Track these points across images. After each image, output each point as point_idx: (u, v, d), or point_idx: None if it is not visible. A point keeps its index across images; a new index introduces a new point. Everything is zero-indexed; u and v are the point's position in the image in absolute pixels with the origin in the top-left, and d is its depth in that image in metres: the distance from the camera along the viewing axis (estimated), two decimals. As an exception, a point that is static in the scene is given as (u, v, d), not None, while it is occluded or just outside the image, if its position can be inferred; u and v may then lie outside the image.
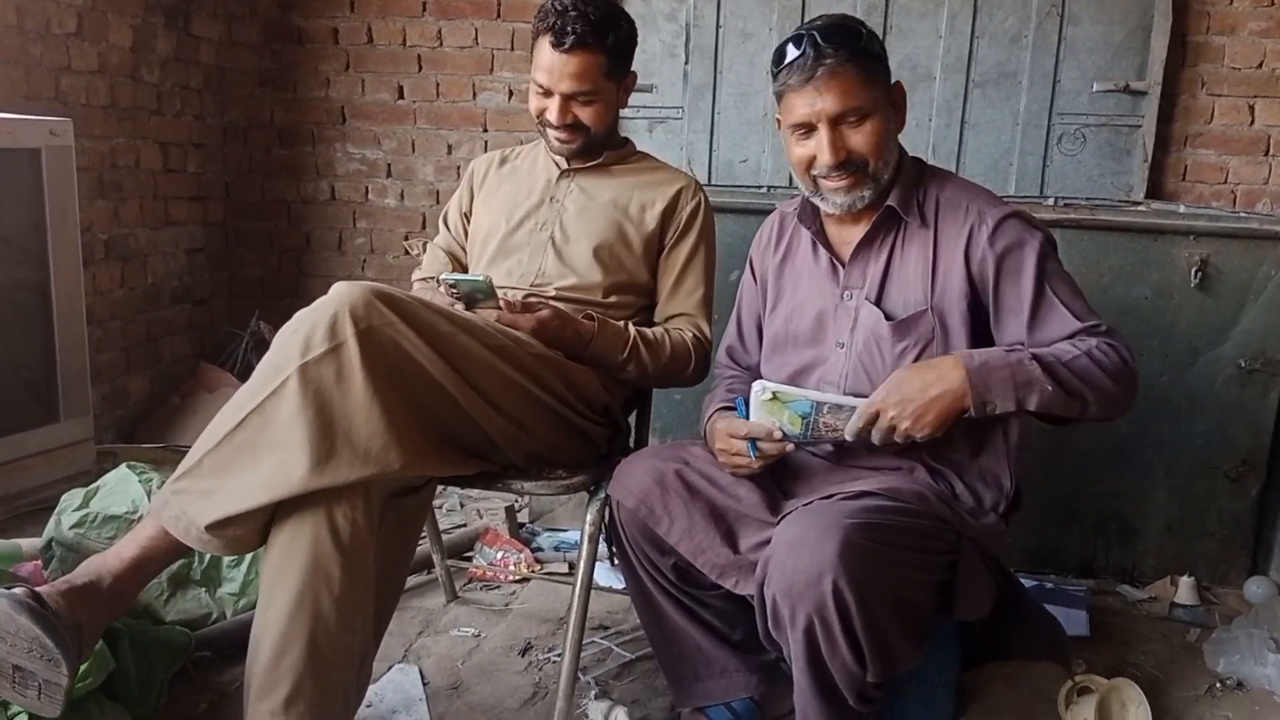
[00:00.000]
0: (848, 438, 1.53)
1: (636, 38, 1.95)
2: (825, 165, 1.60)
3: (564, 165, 2.02)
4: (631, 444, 2.06)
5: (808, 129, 1.61)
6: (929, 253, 1.63)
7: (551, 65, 1.86)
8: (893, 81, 1.65)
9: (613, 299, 1.95)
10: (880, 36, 1.72)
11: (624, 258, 1.96)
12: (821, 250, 1.73)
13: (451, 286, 1.79)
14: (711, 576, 1.60)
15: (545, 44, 1.86)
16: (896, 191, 1.65)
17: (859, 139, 1.60)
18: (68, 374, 2.60)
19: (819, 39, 1.56)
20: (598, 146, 1.99)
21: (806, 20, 2.42)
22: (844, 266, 1.70)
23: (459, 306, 1.77)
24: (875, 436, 1.51)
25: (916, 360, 1.60)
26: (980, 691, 1.98)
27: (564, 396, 1.76)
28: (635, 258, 1.97)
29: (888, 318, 1.64)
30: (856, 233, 1.69)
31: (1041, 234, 1.62)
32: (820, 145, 1.60)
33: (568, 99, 1.89)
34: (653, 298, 2.02)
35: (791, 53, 1.59)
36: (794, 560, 1.41)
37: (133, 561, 1.47)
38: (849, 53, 1.56)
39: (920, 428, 1.48)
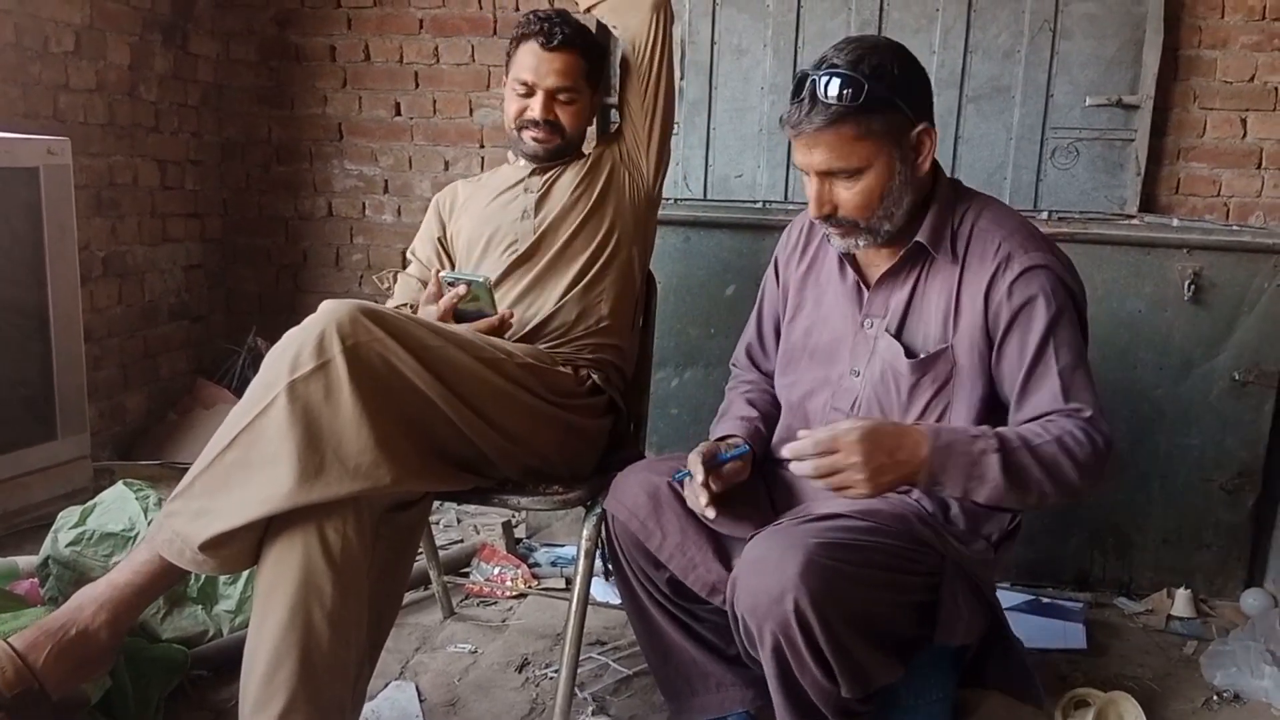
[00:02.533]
0: (786, 453, 1.42)
1: (608, 54, 2.09)
2: (812, 216, 1.57)
3: (530, 168, 2.10)
4: (632, 429, 2.09)
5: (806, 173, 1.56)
6: (953, 290, 1.57)
7: (537, 64, 1.99)
8: (921, 123, 1.52)
9: (603, 258, 2.02)
10: (908, 53, 1.55)
11: (602, 217, 2.03)
12: (849, 269, 1.67)
13: (450, 284, 1.83)
14: (702, 594, 1.61)
15: (532, 45, 1.99)
16: (928, 224, 1.57)
17: (846, 196, 1.53)
18: (65, 391, 2.60)
19: (820, 89, 1.47)
20: (568, 153, 2.09)
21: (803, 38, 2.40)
22: (868, 290, 1.65)
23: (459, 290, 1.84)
24: (812, 469, 1.39)
25: (932, 400, 1.58)
26: (977, 706, 1.99)
27: (554, 399, 1.78)
28: (616, 200, 2.06)
29: (908, 353, 1.59)
30: (885, 259, 1.63)
31: (1062, 293, 1.53)
32: (809, 195, 1.56)
33: (551, 95, 2.01)
34: (639, 224, 2.11)
35: (793, 98, 1.51)
36: (757, 580, 1.41)
37: (126, 588, 1.47)
38: (844, 110, 1.46)
39: (869, 489, 1.39)
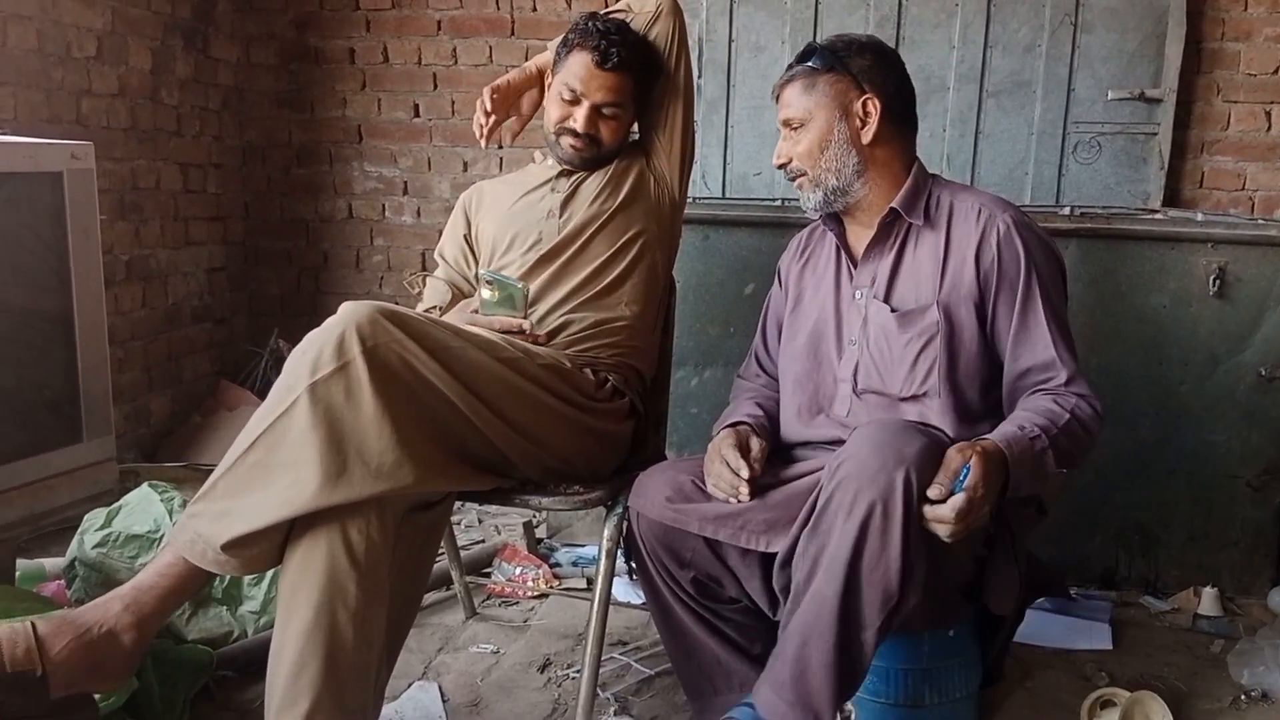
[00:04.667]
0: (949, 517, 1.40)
1: (660, 71, 2.06)
2: (774, 164, 1.77)
3: (558, 169, 2.10)
4: (655, 432, 2.09)
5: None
6: (940, 252, 1.68)
7: (589, 77, 1.99)
8: (868, 94, 1.68)
9: (627, 260, 2.01)
10: (887, 48, 1.76)
11: (628, 220, 2.03)
12: (841, 252, 1.78)
13: (489, 283, 1.84)
14: (734, 540, 1.59)
15: (586, 59, 1.98)
16: (901, 194, 1.70)
17: (794, 147, 1.72)
18: (90, 394, 2.62)
19: (795, 57, 1.74)
20: (603, 164, 2.07)
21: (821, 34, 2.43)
22: (856, 267, 1.76)
23: (486, 294, 1.85)
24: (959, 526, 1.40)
25: (921, 352, 1.65)
26: (1002, 705, 1.98)
27: (576, 400, 1.78)
28: (642, 203, 2.06)
29: (894, 310, 1.69)
30: (868, 235, 1.75)
31: (1043, 249, 1.68)
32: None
33: (596, 109, 2.00)
34: (663, 214, 2.10)
35: None
36: (869, 449, 1.42)
37: (151, 590, 1.46)
38: (797, 69, 1.72)
39: (989, 508, 1.44)
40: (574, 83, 1.99)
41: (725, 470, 1.61)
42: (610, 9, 2.12)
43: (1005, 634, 1.82)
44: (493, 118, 2.11)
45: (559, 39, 2.08)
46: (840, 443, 1.71)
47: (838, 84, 1.69)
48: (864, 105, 1.68)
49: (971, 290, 1.65)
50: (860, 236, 1.77)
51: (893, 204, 1.70)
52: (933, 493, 1.40)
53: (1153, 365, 2.47)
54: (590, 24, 2.00)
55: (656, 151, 2.09)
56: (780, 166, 1.75)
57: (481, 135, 2.10)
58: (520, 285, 1.85)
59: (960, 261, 1.66)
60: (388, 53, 3.70)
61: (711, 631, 1.74)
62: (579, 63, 1.99)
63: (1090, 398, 1.61)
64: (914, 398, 1.66)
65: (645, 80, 2.05)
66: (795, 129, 1.72)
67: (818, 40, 1.77)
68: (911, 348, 1.66)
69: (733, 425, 1.77)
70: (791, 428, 1.81)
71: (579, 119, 1.99)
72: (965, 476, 1.40)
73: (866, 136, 1.69)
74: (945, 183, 1.77)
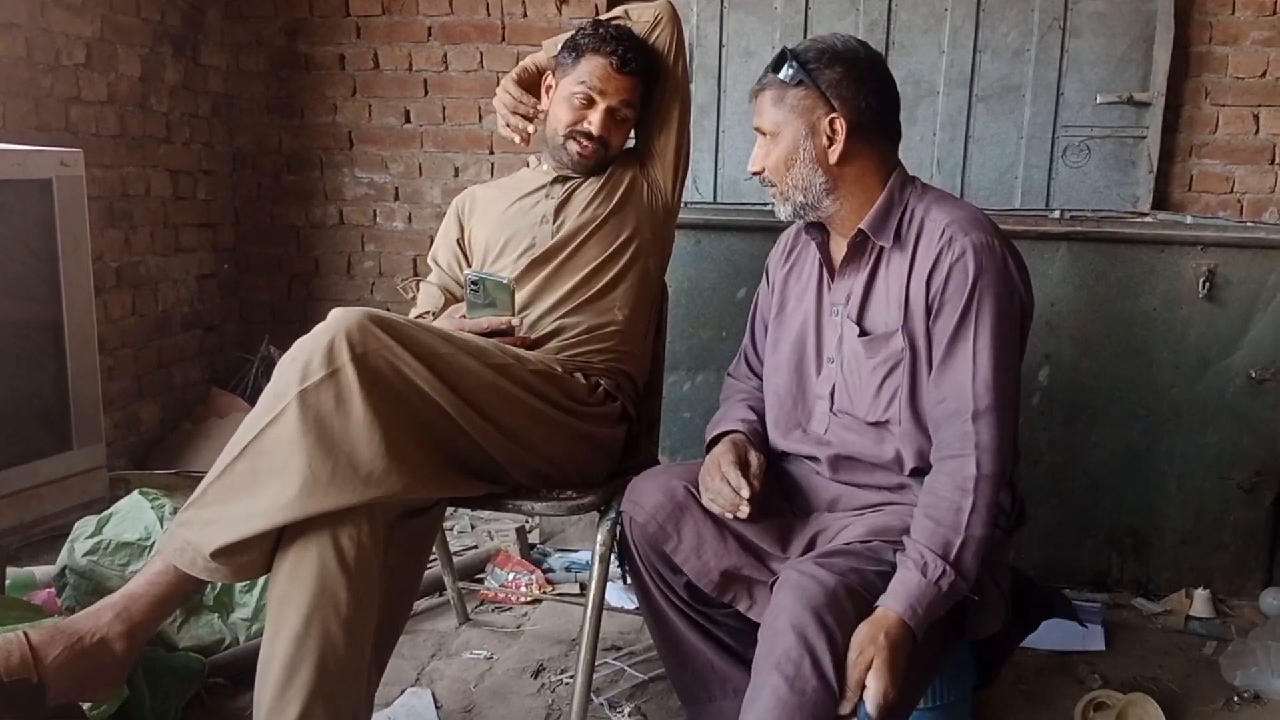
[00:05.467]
0: None
1: (664, 76, 2.07)
2: (749, 170, 1.73)
3: (553, 175, 2.09)
4: (646, 434, 2.08)
5: None
6: (904, 276, 1.62)
7: (607, 78, 1.99)
8: (835, 112, 1.60)
9: (619, 265, 2.01)
10: (862, 57, 1.67)
11: (620, 225, 2.03)
12: (822, 265, 1.75)
13: (474, 284, 1.83)
14: (714, 594, 1.61)
15: (603, 63, 1.99)
16: (870, 214, 1.64)
17: (765, 156, 1.68)
18: (80, 402, 2.61)
19: (772, 63, 1.68)
20: (605, 168, 2.08)
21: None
22: (834, 280, 1.73)
23: (471, 296, 1.84)
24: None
25: (885, 379, 1.62)
26: (997, 707, 1.98)
27: (567, 406, 1.77)
28: (635, 209, 2.06)
29: (862, 333, 1.66)
30: (843, 251, 1.72)
31: (997, 275, 1.57)
32: None
33: (611, 112, 2.01)
34: (657, 219, 2.11)
35: None
36: (781, 629, 1.40)
37: (142, 598, 1.46)
38: (769, 79, 1.66)
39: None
40: (592, 83, 1.99)
41: (725, 488, 1.60)
42: (609, 16, 2.12)
43: (1011, 643, 1.81)
44: (525, 105, 2.10)
45: (557, 41, 2.08)
46: (815, 459, 1.72)
47: (805, 99, 1.62)
48: (830, 124, 1.61)
49: (924, 315, 1.60)
50: (841, 245, 1.73)
51: (860, 225, 1.64)
52: (843, 710, 1.38)
53: (1143, 368, 2.48)
54: (603, 30, 2.01)
55: (652, 158, 2.10)
56: (754, 174, 1.72)
57: (520, 125, 2.10)
58: (506, 280, 1.84)
59: (919, 286, 1.60)
60: (378, 59, 3.69)
61: (705, 636, 1.74)
62: (596, 65, 1.99)
63: (984, 442, 1.52)
64: (879, 424, 1.64)
65: (651, 86, 2.06)
66: (767, 139, 1.68)
67: (797, 48, 1.70)
68: (877, 373, 1.64)
69: (728, 434, 1.76)
70: (772, 436, 1.80)
71: (594, 121, 2.00)
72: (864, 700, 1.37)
73: (833, 156, 1.62)
74: (925, 195, 1.68)
